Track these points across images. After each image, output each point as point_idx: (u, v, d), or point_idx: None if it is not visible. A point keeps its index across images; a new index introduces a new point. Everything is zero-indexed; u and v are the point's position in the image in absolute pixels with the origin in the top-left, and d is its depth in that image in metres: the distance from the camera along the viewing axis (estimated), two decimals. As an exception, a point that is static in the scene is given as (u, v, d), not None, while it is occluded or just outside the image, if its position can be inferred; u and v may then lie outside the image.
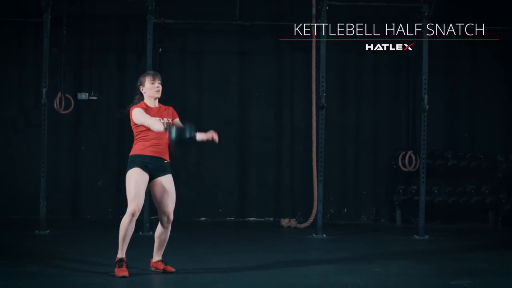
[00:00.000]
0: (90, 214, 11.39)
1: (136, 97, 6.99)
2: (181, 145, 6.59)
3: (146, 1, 10.02)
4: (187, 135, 6.50)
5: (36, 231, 9.79)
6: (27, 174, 11.17)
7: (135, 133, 6.89)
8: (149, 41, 9.99)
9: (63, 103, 10.88)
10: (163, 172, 6.85)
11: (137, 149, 6.83)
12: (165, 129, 6.58)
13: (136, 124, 6.84)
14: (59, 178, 11.34)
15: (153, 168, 6.79)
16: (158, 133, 6.76)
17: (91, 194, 11.44)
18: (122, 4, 11.05)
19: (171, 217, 6.92)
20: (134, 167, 6.76)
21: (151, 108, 6.91)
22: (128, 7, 11.11)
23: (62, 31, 11.00)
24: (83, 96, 11.40)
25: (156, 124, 6.67)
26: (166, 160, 6.88)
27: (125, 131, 11.32)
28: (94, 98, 11.44)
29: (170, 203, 6.90)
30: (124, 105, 10.93)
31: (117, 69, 11.47)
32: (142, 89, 6.96)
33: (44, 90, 9.89)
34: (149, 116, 6.77)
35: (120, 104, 11.37)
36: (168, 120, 6.92)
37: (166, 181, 6.87)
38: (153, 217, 9.53)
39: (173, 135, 6.48)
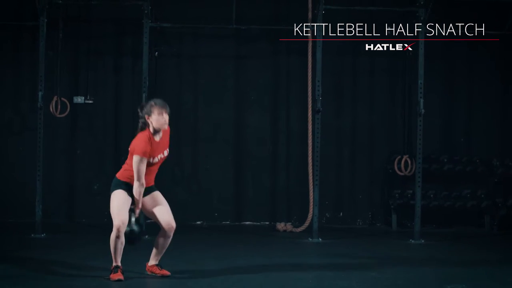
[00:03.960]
0: (86, 218, 11.36)
1: (140, 121, 6.76)
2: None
3: (142, 5, 10.03)
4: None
5: (32, 235, 9.78)
6: (22, 177, 11.15)
7: (128, 160, 6.78)
8: (145, 45, 10.01)
9: (59, 106, 10.87)
10: (149, 192, 6.87)
11: (125, 176, 6.79)
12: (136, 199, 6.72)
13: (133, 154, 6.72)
14: (55, 181, 11.32)
15: None
16: (149, 168, 6.71)
17: (87, 198, 11.42)
18: (118, 8, 11.06)
19: (173, 224, 6.90)
20: (118, 189, 6.76)
21: (154, 142, 6.71)
22: (124, 11, 11.11)
23: (58, 34, 10.99)
24: (79, 99, 11.37)
25: (137, 190, 6.66)
26: (152, 185, 6.90)
27: (121, 135, 11.33)
28: (90, 101, 11.41)
29: (165, 211, 6.88)
30: (120, 109, 11.13)
31: (113, 72, 11.46)
32: (148, 119, 6.69)
33: (40, 93, 9.89)
34: (142, 173, 6.63)
35: (116, 107, 11.40)
36: (164, 155, 6.83)
37: (154, 195, 6.89)
38: (148, 221, 9.50)
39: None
